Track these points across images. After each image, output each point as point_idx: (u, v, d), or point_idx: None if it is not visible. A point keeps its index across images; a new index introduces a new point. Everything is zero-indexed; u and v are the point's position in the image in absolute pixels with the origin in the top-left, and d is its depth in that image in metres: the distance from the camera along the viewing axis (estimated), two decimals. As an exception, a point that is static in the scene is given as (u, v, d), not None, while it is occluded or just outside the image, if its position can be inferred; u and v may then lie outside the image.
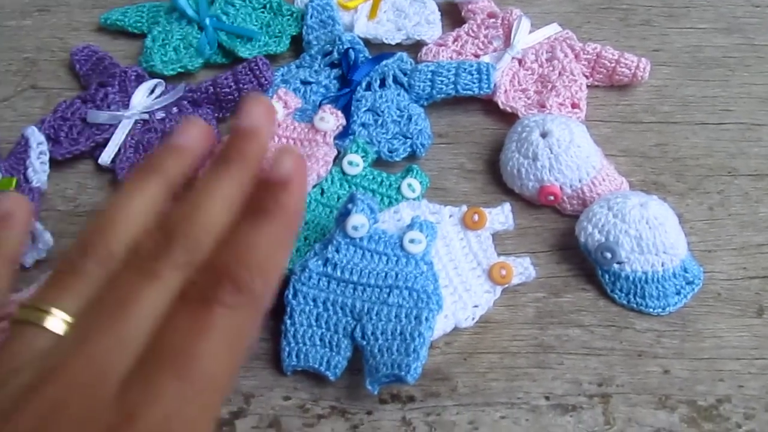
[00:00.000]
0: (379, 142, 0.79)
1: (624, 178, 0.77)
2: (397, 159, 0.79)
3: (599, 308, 0.70)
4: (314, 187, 0.74)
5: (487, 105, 0.85)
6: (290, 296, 0.66)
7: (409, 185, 0.75)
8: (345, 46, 0.84)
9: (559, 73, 0.84)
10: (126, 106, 0.83)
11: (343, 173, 0.75)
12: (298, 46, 0.90)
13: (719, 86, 0.88)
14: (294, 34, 0.91)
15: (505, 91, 0.83)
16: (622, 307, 0.70)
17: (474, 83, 0.81)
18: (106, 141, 0.81)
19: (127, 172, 0.79)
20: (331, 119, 0.77)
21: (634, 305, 0.69)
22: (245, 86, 0.81)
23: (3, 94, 0.90)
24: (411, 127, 0.80)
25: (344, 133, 0.79)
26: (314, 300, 0.66)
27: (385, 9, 0.91)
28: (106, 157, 0.80)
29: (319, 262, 0.67)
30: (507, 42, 0.87)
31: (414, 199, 0.74)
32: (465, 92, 0.82)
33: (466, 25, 0.90)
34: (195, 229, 0.37)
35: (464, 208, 0.73)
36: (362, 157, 0.76)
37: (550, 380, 0.66)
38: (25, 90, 0.90)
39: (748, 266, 0.73)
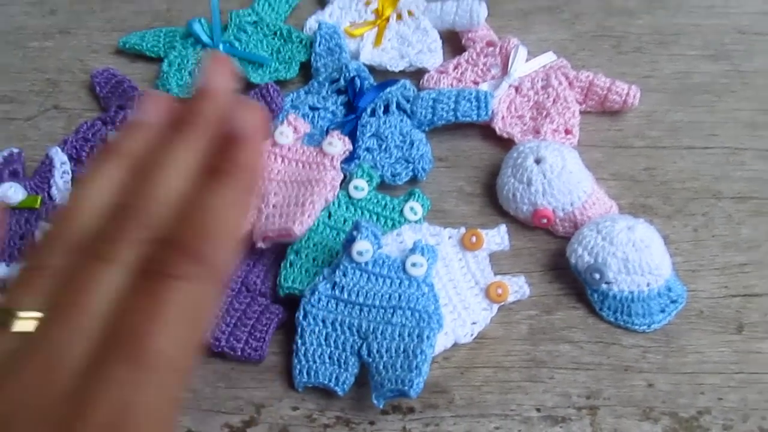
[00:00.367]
0: (383, 166, 0.84)
1: (614, 201, 0.82)
2: (400, 183, 0.83)
3: (588, 325, 0.75)
4: (322, 210, 0.78)
5: (485, 130, 0.89)
6: (301, 317, 0.71)
7: (412, 208, 0.79)
8: (351, 74, 0.88)
9: (554, 100, 0.89)
10: (144, 128, 0.88)
11: (350, 197, 0.80)
12: (306, 71, 0.95)
13: (706, 112, 0.92)
14: (303, 60, 0.95)
15: (503, 117, 0.88)
16: (610, 325, 0.75)
17: (473, 110, 0.86)
18: (126, 162, 0.86)
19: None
20: (338, 144, 0.81)
21: (621, 323, 0.74)
22: (257, 111, 0.86)
23: (27, 114, 0.95)
24: (413, 152, 0.84)
25: (350, 158, 0.83)
26: (323, 321, 0.71)
27: (390, 37, 0.96)
28: (125, 177, 0.85)
29: (328, 285, 0.72)
30: (504, 70, 0.92)
31: (416, 222, 0.79)
32: (464, 119, 0.86)
33: (466, 53, 0.94)
34: (149, 203, 0.35)
35: (463, 230, 0.78)
36: (367, 181, 0.81)
37: (541, 393, 0.71)
38: (48, 110, 0.95)
39: (729, 285, 0.78)
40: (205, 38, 0.96)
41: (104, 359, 0.32)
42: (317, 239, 0.77)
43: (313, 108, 0.88)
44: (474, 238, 0.76)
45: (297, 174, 0.80)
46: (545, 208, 0.79)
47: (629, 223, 0.75)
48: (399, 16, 0.97)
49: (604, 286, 0.74)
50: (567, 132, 0.87)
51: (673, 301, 0.75)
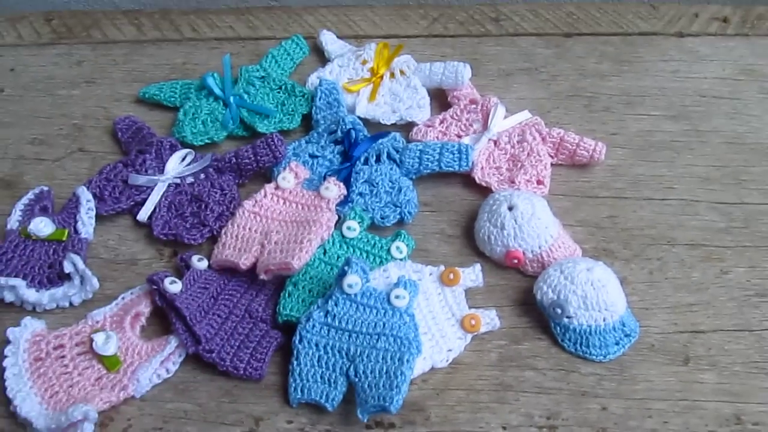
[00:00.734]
0: (374, 209, 0.93)
1: (578, 245, 0.92)
2: (388, 224, 0.93)
3: (551, 354, 0.84)
4: (318, 247, 0.88)
5: (466, 179, 0.99)
6: (297, 341, 0.81)
7: (398, 247, 0.89)
8: (347, 127, 0.99)
9: (528, 153, 0.99)
10: (161, 171, 0.98)
11: (343, 236, 0.90)
12: (308, 122, 1.05)
13: (666, 166, 1.02)
14: (305, 112, 1.06)
15: (482, 168, 0.98)
16: (570, 354, 0.84)
17: (455, 161, 0.96)
18: (144, 201, 0.96)
19: (161, 228, 0.93)
20: (334, 189, 0.91)
21: (580, 353, 0.83)
22: (262, 158, 0.96)
23: (55, 155, 1.05)
24: (401, 197, 0.94)
25: (344, 201, 0.93)
26: (317, 345, 0.80)
27: (383, 93, 1.07)
28: (143, 214, 0.95)
29: (321, 313, 0.81)
30: (485, 125, 1.02)
31: (401, 260, 0.89)
32: (447, 168, 0.97)
33: (450, 110, 1.05)
34: None
35: (442, 267, 0.87)
36: (359, 223, 0.91)
37: (507, 413, 0.80)
38: (74, 152, 1.05)
39: (678, 322, 0.87)
40: (217, 91, 1.06)
41: None
42: (313, 273, 0.87)
43: (312, 156, 0.99)
44: (452, 275, 0.86)
45: (297, 215, 0.90)
46: (516, 250, 0.89)
47: (588, 265, 0.84)
48: (392, 75, 1.08)
49: (565, 320, 0.83)
50: (539, 182, 0.97)
51: (626, 335, 0.84)
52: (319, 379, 0.79)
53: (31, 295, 0.87)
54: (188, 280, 0.85)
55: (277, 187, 0.93)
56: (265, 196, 0.92)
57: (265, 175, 0.99)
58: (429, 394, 0.81)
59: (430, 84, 1.07)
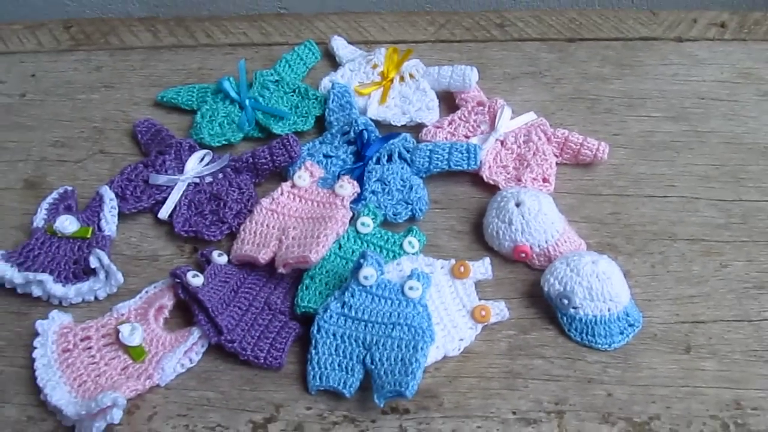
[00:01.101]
0: (386, 206, 0.97)
1: (583, 240, 0.95)
2: (400, 221, 0.97)
3: (558, 344, 0.87)
4: (334, 242, 0.92)
5: (474, 178, 1.03)
6: (315, 331, 0.84)
7: (410, 242, 0.93)
8: (360, 128, 1.02)
9: (534, 153, 1.03)
10: (181, 171, 1.02)
11: (357, 232, 0.94)
12: (321, 124, 1.09)
13: (666, 166, 1.06)
14: (318, 114, 1.10)
15: (489, 167, 1.02)
16: (576, 344, 0.87)
17: (464, 160, 1.00)
18: (164, 199, 1.00)
19: (181, 225, 0.97)
20: (348, 187, 0.95)
21: (586, 342, 0.87)
22: (278, 158, 1.00)
23: (77, 157, 1.08)
24: (412, 195, 0.98)
25: (358, 199, 0.97)
26: (334, 334, 0.84)
27: (393, 96, 1.10)
28: (164, 212, 0.99)
29: (338, 304, 0.85)
30: (492, 126, 1.06)
31: (413, 254, 0.92)
32: (456, 167, 1.00)
33: (459, 111, 1.09)
34: None
35: (453, 261, 0.91)
36: (372, 219, 0.94)
37: (516, 399, 0.83)
38: (95, 154, 1.09)
39: (680, 313, 0.90)
40: (233, 94, 1.10)
41: None
42: (329, 267, 0.90)
43: (326, 156, 1.02)
44: (462, 268, 0.90)
45: (312, 211, 0.94)
46: (524, 245, 0.92)
47: (594, 258, 0.88)
48: (402, 78, 1.12)
49: (571, 310, 0.87)
50: (545, 180, 1.01)
51: (630, 325, 0.88)
52: (336, 367, 0.82)
53: (57, 289, 0.90)
54: (209, 274, 0.89)
55: (293, 186, 0.96)
56: (282, 194, 0.96)
57: (281, 174, 1.03)
58: (442, 381, 0.84)
59: (439, 87, 1.11)
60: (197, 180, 1.01)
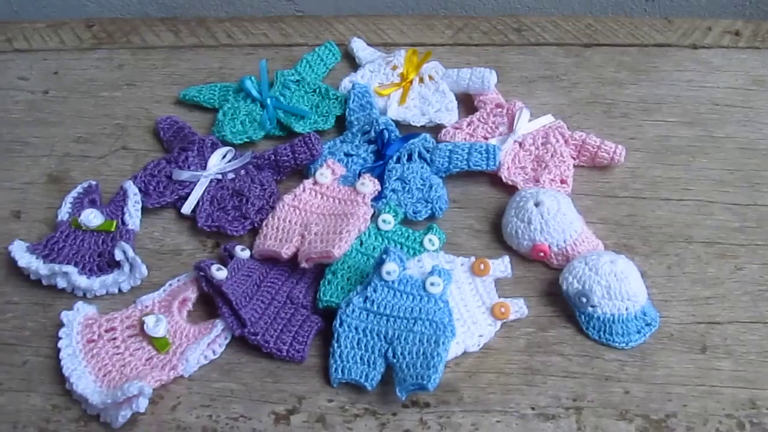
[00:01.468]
0: (406, 205, 0.98)
1: (600, 240, 0.97)
2: (420, 219, 0.98)
3: (576, 342, 0.89)
4: (355, 239, 0.93)
5: (493, 178, 1.04)
6: (337, 325, 0.85)
7: (430, 240, 0.94)
8: (380, 127, 1.04)
9: (552, 154, 1.04)
10: (203, 167, 1.03)
11: (378, 229, 0.95)
12: (341, 124, 1.11)
13: (682, 169, 1.07)
14: (338, 114, 1.11)
15: (508, 167, 1.03)
16: (594, 342, 0.88)
17: (483, 161, 1.01)
18: (187, 195, 1.01)
19: (204, 220, 0.98)
20: (369, 185, 0.97)
21: (604, 340, 0.88)
22: (300, 156, 1.01)
23: (100, 153, 1.10)
24: (432, 194, 0.99)
25: (378, 197, 0.98)
26: (356, 328, 0.85)
27: (413, 97, 1.12)
28: (187, 207, 1.00)
29: (360, 299, 0.86)
30: (510, 128, 1.07)
31: (433, 251, 0.94)
32: (475, 167, 1.02)
33: (477, 113, 1.10)
34: None
35: (473, 258, 0.92)
36: (393, 216, 0.95)
37: (535, 395, 0.84)
38: (118, 150, 1.11)
39: (696, 314, 0.91)
40: (254, 93, 1.11)
41: None
42: (351, 262, 0.92)
43: (347, 154, 1.04)
44: (482, 266, 0.91)
45: (334, 208, 0.95)
46: (542, 244, 0.94)
47: (612, 258, 0.89)
48: (421, 80, 1.14)
49: (589, 309, 0.88)
50: (562, 182, 1.02)
51: (647, 324, 0.89)
52: (358, 361, 0.84)
53: (82, 281, 0.92)
54: (232, 268, 0.90)
55: (315, 183, 0.98)
56: (304, 190, 0.97)
57: (302, 172, 1.04)
58: (462, 376, 0.85)
59: (458, 89, 1.13)
60: (220, 176, 1.02)
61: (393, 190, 1.00)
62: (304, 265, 0.90)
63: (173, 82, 1.20)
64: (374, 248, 0.93)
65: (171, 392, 0.84)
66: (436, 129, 1.09)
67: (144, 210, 1.01)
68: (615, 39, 1.27)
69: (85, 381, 0.83)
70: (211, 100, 1.14)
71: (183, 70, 1.22)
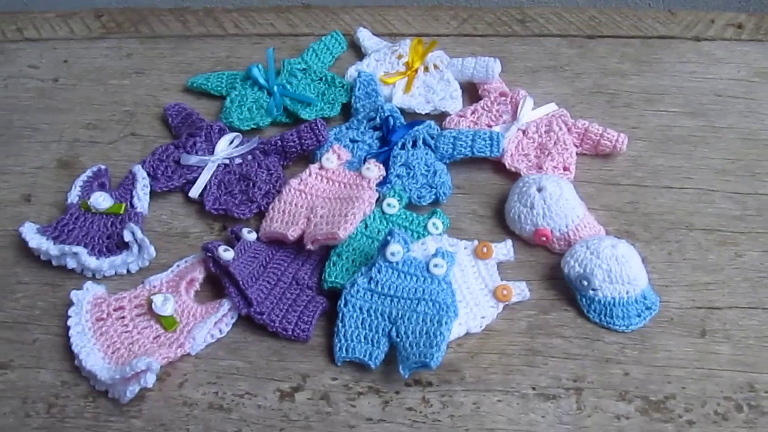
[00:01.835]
0: (411, 190, 1.00)
1: (602, 226, 0.98)
2: (424, 204, 1.00)
3: (577, 324, 0.90)
4: (360, 222, 0.94)
5: (497, 165, 1.06)
6: (342, 305, 0.87)
7: (434, 224, 0.96)
8: (385, 114, 1.05)
9: (555, 142, 1.05)
10: (211, 152, 1.05)
11: (383, 212, 0.96)
12: (347, 111, 1.12)
13: (683, 159, 1.08)
14: (344, 101, 1.12)
15: (511, 154, 1.05)
16: (595, 325, 0.90)
17: (487, 147, 1.03)
18: (195, 179, 1.02)
19: (212, 203, 0.99)
20: (374, 170, 0.98)
21: (604, 323, 0.89)
22: (307, 141, 1.03)
23: (109, 138, 1.12)
24: (436, 180, 1.01)
25: (383, 182, 1.00)
26: (360, 308, 0.87)
27: (418, 85, 1.13)
28: (195, 191, 1.01)
29: (365, 279, 0.88)
30: (514, 116, 1.08)
31: (437, 235, 0.95)
32: (479, 154, 1.03)
33: (481, 101, 1.11)
34: None
35: (476, 242, 0.94)
36: (398, 200, 0.97)
37: (536, 376, 0.85)
38: (126, 136, 1.12)
39: (696, 299, 0.92)
40: (262, 81, 1.13)
41: None
42: (356, 245, 0.93)
43: (353, 141, 1.05)
44: (485, 249, 0.92)
45: (340, 192, 0.97)
46: (544, 228, 0.95)
47: (613, 242, 0.91)
48: (426, 69, 1.15)
49: (591, 292, 0.89)
50: (565, 169, 1.03)
51: (648, 308, 0.90)
52: (362, 340, 0.85)
53: (92, 262, 0.93)
54: (239, 250, 0.91)
55: (321, 167, 0.99)
56: (310, 175, 0.99)
57: (308, 158, 1.05)
58: (464, 356, 0.87)
59: (462, 78, 1.14)
60: (227, 161, 1.04)
61: (398, 176, 1.01)
62: (309, 246, 0.91)
63: (181, 70, 1.21)
64: (379, 231, 0.95)
65: (178, 369, 0.86)
66: (440, 117, 1.11)
67: (152, 194, 1.02)
68: (618, 31, 1.28)
69: (93, 357, 0.85)
70: (219, 88, 1.15)
71: (191, 58, 1.24)
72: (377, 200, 0.97)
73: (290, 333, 0.87)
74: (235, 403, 0.83)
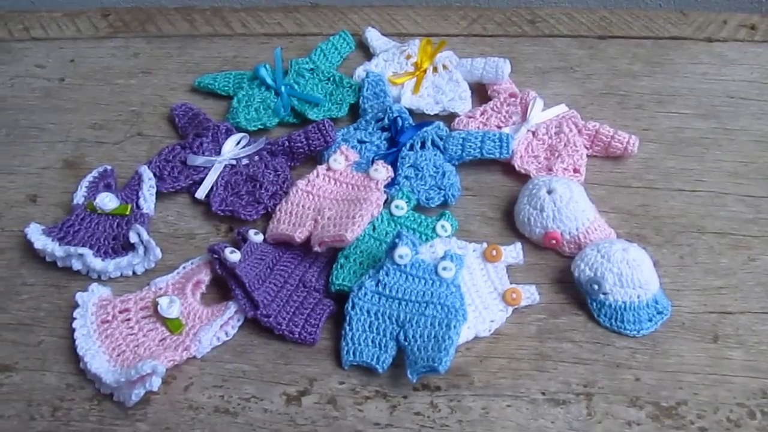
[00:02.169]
0: (419, 191, 0.99)
1: (612, 229, 0.97)
2: (433, 206, 0.99)
3: (587, 329, 0.89)
4: (368, 224, 0.93)
5: (506, 167, 1.05)
6: (349, 308, 0.86)
7: (442, 226, 0.95)
8: (394, 115, 1.04)
9: (565, 144, 1.04)
10: (218, 153, 1.04)
11: (391, 214, 0.95)
12: (355, 112, 1.11)
13: (695, 161, 1.07)
14: (352, 102, 1.12)
15: (521, 156, 1.04)
16: (606, 329, 0.88)
17: (496, 149, 1.01)
18: (201, 180, 1.02)
19: (218, 204, 0.99)
20: (383, 171, 0.97)
21: (615, 328, 0.88)
22: (314, 142, 1.02)
23: (115, 139, 1.11)
24: (444, 181, 1.00)
25: (392, 183, 0.99)
26: (368, 311, 0.86)
27: (426, 86, 1.12)
28: (201, 192, 1.01)
29: (373, 282, 0.87)
30: (524, 117, 1.07)
31: (446, 237, 0.94)
32: (488, 155, 1.02)
33: (491, 102, 1.10)
34: None
35: (485, 244, 0.93)
36: (406, 202, 0.96)
37: (546, 380, 0.84)
38: (133, 136, 1.11)
39: (708, 303, 0.91)
40: (269, 81, 1.12)
41: None
42: (363, 247, 0.92)
43: (361, 141, 1.04)
44: (494, 252, 0.91)
45: (347, 194, 0.96)
46: (555, 231, 0.94)
47: (624, 245, 0.89)
48: (435, 69, 1.14)
49: (601, 296, 0.88)
50: (575, 171, 1.02)
51: (659, 312, 0.89)
52: (370, 343, 0.84)
53: (97, 263, 0.93)
54: (246, 251, 0.90)
55: (328, 168, 0.98)
56: (318, 176, 0.98)
57: (315, 159, 1.05)
58: (472, 361, 0.86)
59: (471, 78, 1.13)
60: (234, 162, 1.03)
61: (406, 177, 1.00)
62: (317, 248, 0.90)
63: (188, 70, 1.21)
64: (387, 233, 0.94)
65: (184, 372, 0.85)
66: (449, 118, 1.09)
67: (158, 194, 1.01)
68: (629, 32, 1.27)
69: (99, 360, 0.84)
70: (226, 88, 1.15)
71: (198, 58, 1.23)
72: (385, 202, 0.96)
73: (297, 336, 0.86)
74: (241, 407, 0.82)
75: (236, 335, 0.88)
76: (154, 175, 1.02)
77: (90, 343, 0.86)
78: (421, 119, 1.08)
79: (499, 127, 1.07)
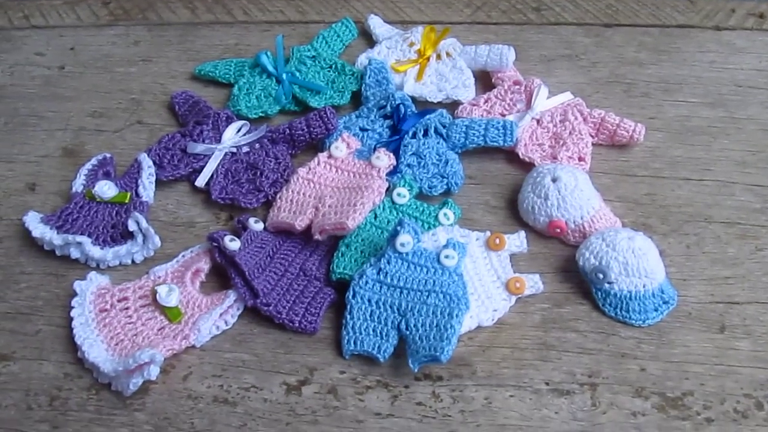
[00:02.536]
0: (421, 179, 0.97)
1: (618, 218, 0.95)
2: (435, 194, 0.97)
3: (592, 318, 0.87)
4: (370, 212, 0.92)
5: (510, 155, 1.03)
6: (350, 297, 0.85)
7: (445, 214, 0.93)
8: (396, 102, 1.03)
9: (570, 132, 1.03)
10: (218, 140, 1.03)
11: (393, 202, 0.94)
12: (357, 99, 1.10)
13: (702, 150, 1.05)
14: (354, 90, 1.10)
15: (525, 144, 1.02)
16: (611, 319, 0.87)
17: (500, 137, 1.00)
18: (201, 168, 1.01)
19: (218, 192, 0.98)
20: (384, 159, 0.95)
21: (620, 317, 0.87)
22: (315, 130, 1.01)
23: (115, 127, 1.10)
24: (447, 169, 0.98)
25: (394, 171, 0.97)
26: (369, 300, 0.84)
27: (430, 73, 1.11)
28: (201, 180, 1.00)
29: (374, 270, 0.85)
30: (528, 105, 1.06)
31: (448, 226, 0.93)
32: (492, 143, 1.01)
33: (495, 90, 1.09)
34: None
35: (488, 233, 0.91)
36: (408, 190, 0.95)
37: (550, 370, 0.83)
38: (133, 124, 1.10)
39: (715, 293, 0.90)
40: (270, 68, 1.11)
41: None
42: (365, 235, 0.91)
43: (363, 129, 1.03)
44: (497, 240, 0.90)
45: (349, 181, 0.94)
46: (559, 220, 0.92)
47: (630, 234, 0.88)
48: (438, 57, 1.12)
49: (606, 285, 0.87)
50: (580, 159, 1.01)
51: (665, 302, 0.87)
52: (371, 333, 0.83)
53: (96, 252, 0.92)
54: (246, 240, 0.89)
55: (330, 156, 0.97)
56: (319, 164, 0.96)
57: (316, 146, 1.03)
58: (475, 350, 0.85)
59: (475, 66, 1.11)
60: (234, 149, 1.02)
61: (408, 165, 0.99)
62: (317, 236, 0.89)
63: (189, 58, 1.19)
64: (388, 221, 0.93)
65: (183, 362, 0.84)
66: (452, 106, 1.08)
67: (158, 183, 1.00)
68: (636, 20, 1.25)
69: (97, 349, 0.83)
70: (227, 75, 1.13)
71: (199, 46, 1.22)
72: (387, 190, 0.95)
73: (297, 325, 0.85)
74: (240, 397, 0.81)
75: (236, 324, 0.87)
76: (154, 163, 1.01)
77: (88, 332, 0.85)
78: (424, 107, 1.06)
79: (503, 115, 1.06)
